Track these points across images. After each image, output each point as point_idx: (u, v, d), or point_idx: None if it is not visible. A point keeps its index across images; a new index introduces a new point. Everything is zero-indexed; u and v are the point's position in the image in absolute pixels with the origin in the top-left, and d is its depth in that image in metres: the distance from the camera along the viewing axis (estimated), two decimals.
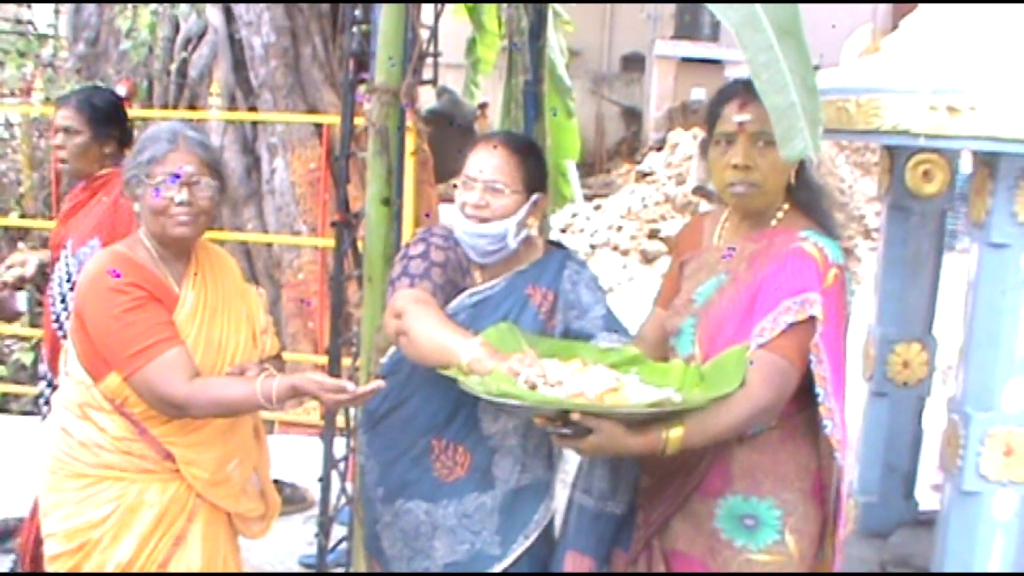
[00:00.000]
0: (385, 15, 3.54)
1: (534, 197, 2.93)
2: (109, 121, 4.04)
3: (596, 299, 3.01)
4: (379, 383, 2.69)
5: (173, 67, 6.46)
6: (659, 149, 15.97)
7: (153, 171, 2.73)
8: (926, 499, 3.66)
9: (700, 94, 20.20)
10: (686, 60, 20.57)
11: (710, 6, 2.50)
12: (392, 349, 3.02)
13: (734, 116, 2.61)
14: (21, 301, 4.95)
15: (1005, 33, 2.63)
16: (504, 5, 5.33)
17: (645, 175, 14.83)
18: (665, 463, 2.60)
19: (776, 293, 2.54)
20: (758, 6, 2.46)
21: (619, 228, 13.10)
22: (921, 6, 2.95)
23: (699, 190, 13.34)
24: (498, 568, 2.94)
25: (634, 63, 22.49)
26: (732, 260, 2.71)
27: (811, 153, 2.20)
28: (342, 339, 3.96)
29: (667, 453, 2.42)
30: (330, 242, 5.82)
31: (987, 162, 2.69)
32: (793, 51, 2.25)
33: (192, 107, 6.49)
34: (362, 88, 6.68)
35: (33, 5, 6.83)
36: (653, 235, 12.90)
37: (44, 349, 4.10)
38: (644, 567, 2.78)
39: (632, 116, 21.97)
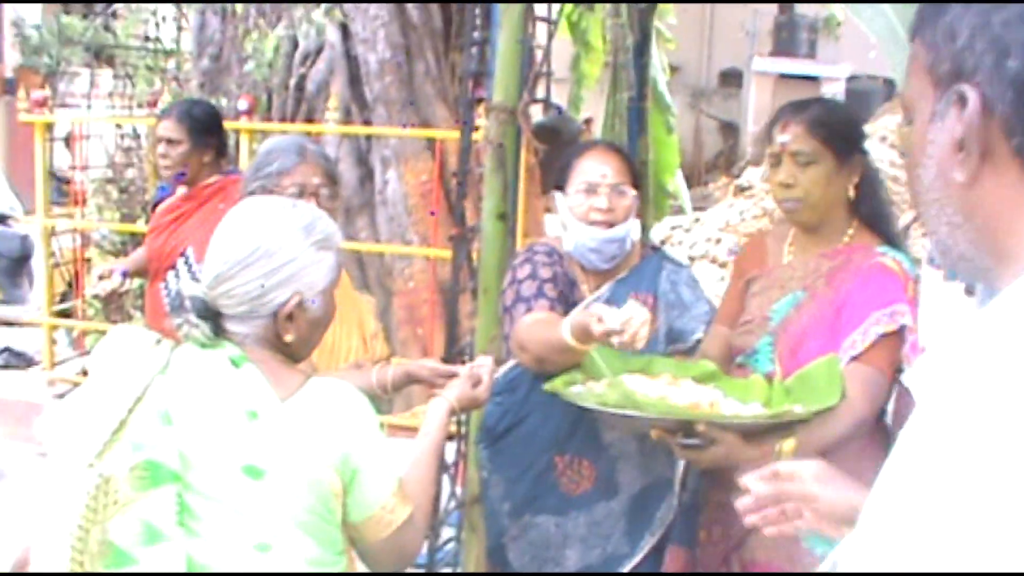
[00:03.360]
0: (503, 34, 3.67)
1: (637, 197, 3.02)
2: (208, 131, 4.28)
3: (697, 296, 3.08)
4: (490, 362, 2.72)
5: (292, 82, 6.68)
6: (757, 164, 15.96)
7: (281, 182, 2.87)
8: None
9: None
10: (784, 76, 20.49)
11: (853, 16, 2.65)
12: (507, 366, 3.08)
13: (778, 137, 2.76)
14: None
15: None
16: (610, 23, 5.46)
17: (743, 189, 14.81)
18: (699, 461, 2.67)
19: (864, 307, 2.65)
20: (895, 20, 2.62)
21: (717, 240, 13.10)
22: None
23: None
24: (629, 565, 3.02)
25: (732, 78, 22.44)
26: (808, 277, 2.81)
27: None
28: (455, 349, 4.11)
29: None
30: (440, 252, 6.06)
31: None
32: None
33: (309, 120, 6.69)
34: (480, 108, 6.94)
35: (160, 23, 7.13)
36: None
37: None
38: None
39: (730, 130, 21.92)
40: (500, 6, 3.67)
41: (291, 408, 2.02)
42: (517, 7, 3.62)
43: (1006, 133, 1.00)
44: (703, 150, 21.81)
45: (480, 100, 3.99)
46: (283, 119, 6.68)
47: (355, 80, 6.69)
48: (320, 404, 2.06)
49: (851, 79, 20.41)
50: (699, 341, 3.03)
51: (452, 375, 2.74)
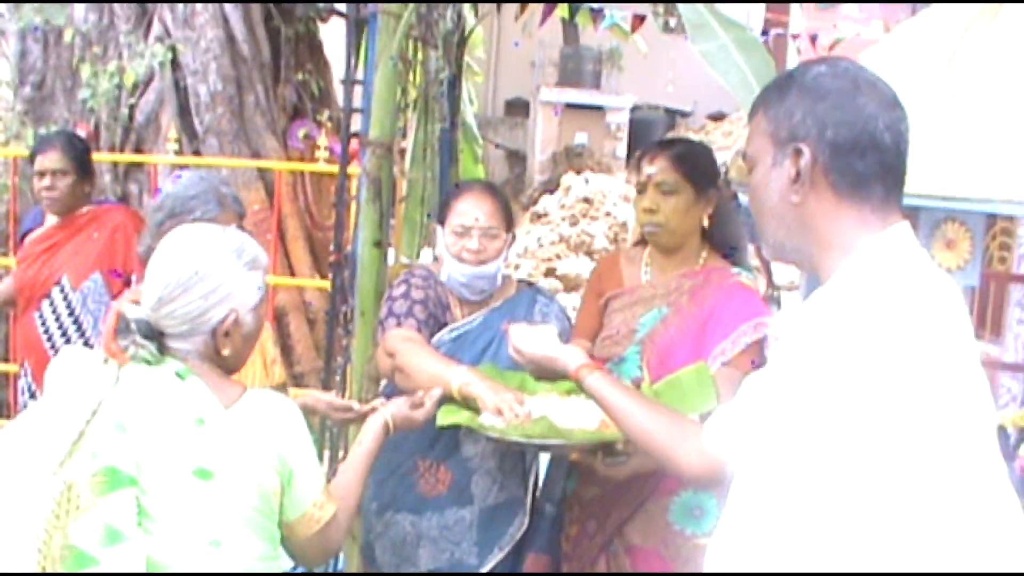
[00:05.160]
0: (379, 73, 3.89)
1: (509, 237, 3.26)
2: (87, 161, 4.38)
3: (563, 331, 3.19)
4: (381, 402, 2.93)
5: (122, 112, 6.65)
6: (552, 191, 16.47)
7: None
8: None
9: (583, 138, 20.88)
10: (569, 106, 21.16)
11: (712, 70, 2.99)
12: (384, 381, 3.31)
13: (645, 168, 3.11)
14: None
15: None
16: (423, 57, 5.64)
17: (540, 216, 15.31)
18: (619, 473, 2.97)
19: (732, 320, 2.98)
20: (747, 71, 2.97)
21: (516, 266, 13.50)
22: None
23: None
24: None
25: (517, 108, 22.98)
26: (672, 294, 3.11)
27: None
28: (332, 367, 4.26)
29: None
30: (277, 279, 6.16)
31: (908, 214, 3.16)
32: None
33: (138, 150, 6.67)
34: (301, 134, 7.04)
35: None
36: (549, 273, 13.39)
37: (33, 384, 4.33)
38: (604, 567, 3.09)
39: (516, 158, 22.46)
40: (376, 47, 3.87)
41: (234, 415, 2.21)
42: (393, 49, 3.83)
43: (824, 173, 1.67)
44: (492, 179, 22.26)
45: (354, 135, 4.14)
46: (111, 149, 6.62)
47: (184, 111, 6.69)
48: (260, 411, 2.25)
49: (634, 109, 21.27)
50: None
51: (347, 408, 3.02)
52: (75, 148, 4.35)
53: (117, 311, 2.29)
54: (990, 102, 2.99)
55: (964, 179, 2.87)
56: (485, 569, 3.19)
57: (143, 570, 2.04)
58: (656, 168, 3.08)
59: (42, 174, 4.27)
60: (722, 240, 3.22)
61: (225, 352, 2.26)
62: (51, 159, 4.26)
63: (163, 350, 2.24)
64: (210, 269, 2.21)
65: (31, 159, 4.38)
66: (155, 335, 2.22)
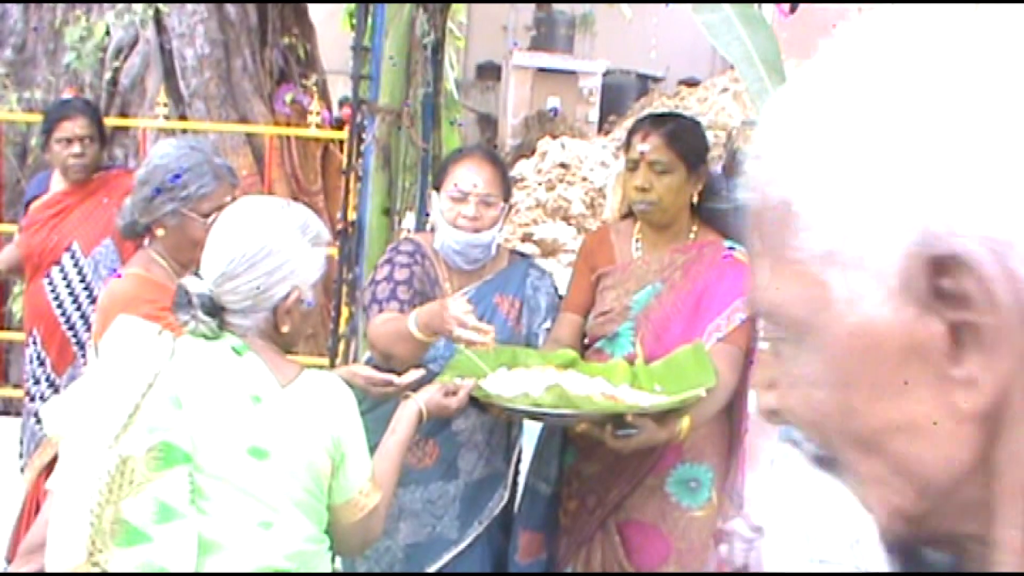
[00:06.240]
0: (389, 40, 3.88)
1: (506, 206, 3.17)
2: (102, 126, 4.36)
3: (550, 306, 3.24)
4: (420, 371, 2.84)
5: (106, 76, 6.56)
6: (528, 156, 16.43)
7: (200, 207, 2.91)
8: None
9: (555, 102, 20.84)
10: (542, 70, 21.10)
11: (713, 42, 2.97)
12: (368, 354, 3.27)
13: (637, 146, 3.07)
14: None
15: None
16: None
17: (516, 181, 15.28)
18: (624, 447, 2.84)
19: (726, 296, 3.00)
20: (750, 45, 2.95)
21: None
22: None
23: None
24: (454, 551, 3.16)
25: (489, 71, 22.90)
26: (665, 270, 3.11)
27: None
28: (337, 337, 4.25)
29: (680, 439, 2.82)
30: None
31: None
32: (778, 83, 2.64)
33: (123, 115, 6.59)
34: (288, 98, 6.96)
35: None
36: (526, 238, 13.38)
37: (43, 351, 4.28)
38: (599, 542, 3.12)
39: (488, 123, 22.38)
40: (387, 14, 3.82)
41: (291, 394, 2.17)
42: (404, 15, 3.79)
43: None
44: (463, 142, 22.12)
45: (363, 101, 4.08)
46: None
47: (170, 75, 6.62)
48: (316, 392, 2.22)
49: (607, 73, 21.23)
50: (548, 331, 3.22)
51: (388, 383, 2.86)
52: (97, 113, 4.36)
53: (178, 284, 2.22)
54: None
55: None
56: (465, 543, 3.17)
57: (194, 549, 2.00)
58: (649, 146, 3.05)
59: (70, 141, 4.20)
60: (713, 216, 3.20)
61: (284, 329, 2.22)
62: (81, 125, 4.20)
63: (222, 325, 2.20)
64: (276, 245, 2.16)
65: (47, 126, 4.28)
66: (216, 310, 2.18)
